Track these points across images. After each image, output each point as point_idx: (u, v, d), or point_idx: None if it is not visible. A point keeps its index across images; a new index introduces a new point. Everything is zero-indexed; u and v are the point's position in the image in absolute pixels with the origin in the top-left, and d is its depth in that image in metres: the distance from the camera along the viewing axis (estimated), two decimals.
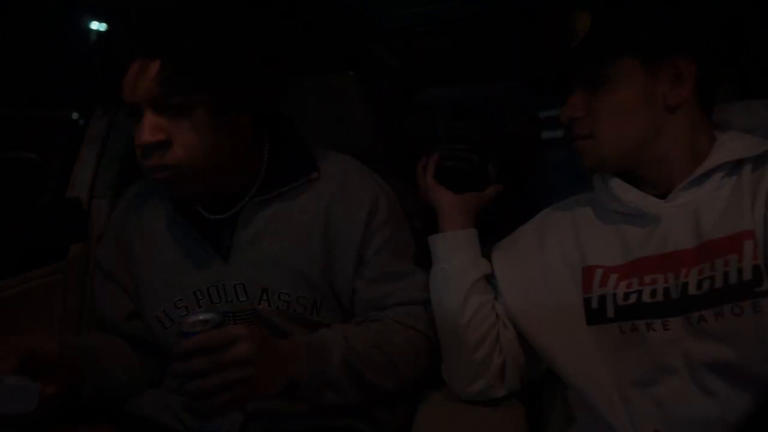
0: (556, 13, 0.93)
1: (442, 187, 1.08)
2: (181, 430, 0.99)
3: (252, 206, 1.02)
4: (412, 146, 1.42)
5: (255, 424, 0.96)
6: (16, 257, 1.17)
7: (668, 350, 0.82)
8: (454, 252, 1.03)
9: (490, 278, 1.03)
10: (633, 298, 0.87)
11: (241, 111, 0.95)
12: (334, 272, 1.03)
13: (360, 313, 1.05)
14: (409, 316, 1.03)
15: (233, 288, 1.00)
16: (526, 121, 2.39)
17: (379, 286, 1.04)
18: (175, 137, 0.89)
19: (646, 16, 0.89)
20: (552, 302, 0.95)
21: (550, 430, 1.02)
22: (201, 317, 0.79)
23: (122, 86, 0.89)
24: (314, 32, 0.99)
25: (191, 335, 0.77)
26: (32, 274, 1.18)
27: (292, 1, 0.96)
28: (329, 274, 1.03)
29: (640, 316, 0.85)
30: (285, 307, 1.00)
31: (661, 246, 0.87)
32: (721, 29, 1.35)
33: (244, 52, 0.91)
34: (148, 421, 1.01)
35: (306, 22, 0.96)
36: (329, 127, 1.27)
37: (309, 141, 1.10)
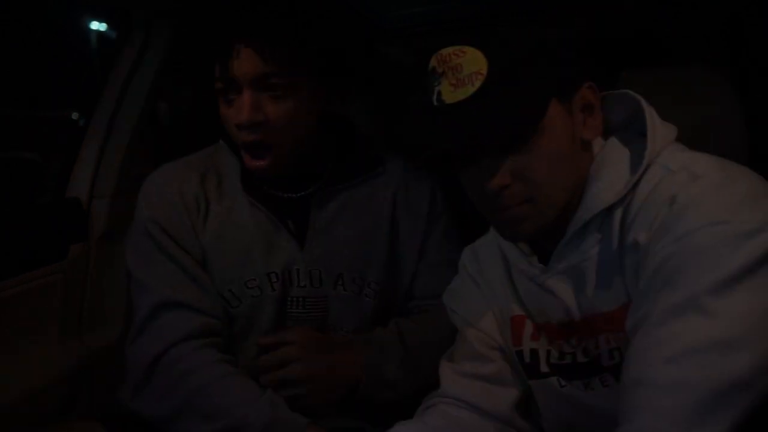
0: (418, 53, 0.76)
1: None
2: None
3: (325, 193, 1.06)
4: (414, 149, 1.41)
5: None
6: (16, 257, 1.17)
7: (608, 401, 0.76)
8: None
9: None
10: (569, 359, 0.81)
11: (329, 91, 1.01)
12: (400, 257, 1.11)
13: (418, 297, 1.12)
14: None
15: (308, 273, 1.03)
16: None
17: (439, 271, 1.10)
18: (270, 116, 0.94)
19: (553, 45, 0.75)
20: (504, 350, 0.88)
21: None
22: None
23: (223, 64, 0.93)
24: (314, 32, 0.99)
25: None
26: (32, 274, 1.17)
27: (291, 1, 0.97)
28: (395, 259, 1.10)
29: (576, 377, 0.80)
30: (357, 291, 1.05)
31: (564, 314, 0.79)
32: (721, 29, 1.35)
33: (327, 34, 1.00)
34: (135, 413, 0.99)
35: (305, 22, 0.96)
36: None
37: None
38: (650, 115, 0.76)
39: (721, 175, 0.66)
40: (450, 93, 0.71)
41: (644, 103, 0.77)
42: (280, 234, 1.03)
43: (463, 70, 0.70)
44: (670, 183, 0.68)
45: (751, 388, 0.55)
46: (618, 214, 0.73)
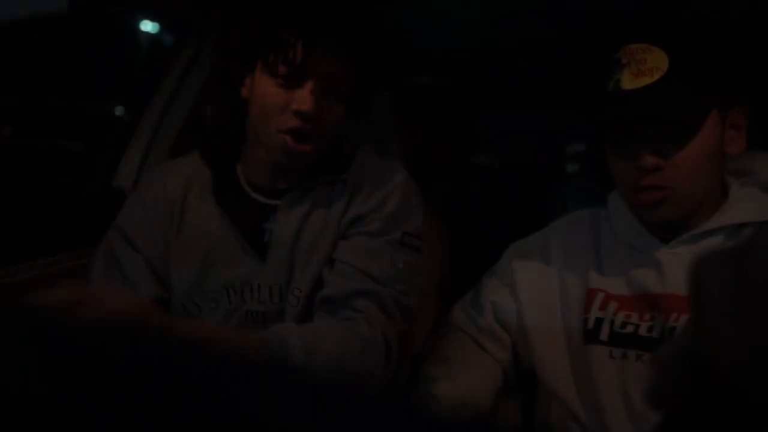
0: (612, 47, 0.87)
1: None
2: None
3: (288, 203, 1.01)
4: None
5: None
6: (65, 238, 1.26)
7: (628, 373, 0.85)
8: None
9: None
10: (630, 329, 0.89)
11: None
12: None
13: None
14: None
15: (268, 289, 1.00)
16: (546, 153, 2.41)
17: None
18: (324, 113, 0.95)
19: (725, 62, 0.87)
20: (558, 316, 0.97)
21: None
22: None
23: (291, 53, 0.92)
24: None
25: None
26: (84, 252, 1.23)
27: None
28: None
29: (634, 346, 0.88)
30: (310, 306, 1.00)
31: (659, 286, 0.89)
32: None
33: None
34: None
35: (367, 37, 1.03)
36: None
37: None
38: None
39: None
40: (630, 81, 0.84)
41: None
42: (245, 249, 1.01)
43: (647, 63, 0.82)
44: None
45: None
46: (750, 230, 0.85)
